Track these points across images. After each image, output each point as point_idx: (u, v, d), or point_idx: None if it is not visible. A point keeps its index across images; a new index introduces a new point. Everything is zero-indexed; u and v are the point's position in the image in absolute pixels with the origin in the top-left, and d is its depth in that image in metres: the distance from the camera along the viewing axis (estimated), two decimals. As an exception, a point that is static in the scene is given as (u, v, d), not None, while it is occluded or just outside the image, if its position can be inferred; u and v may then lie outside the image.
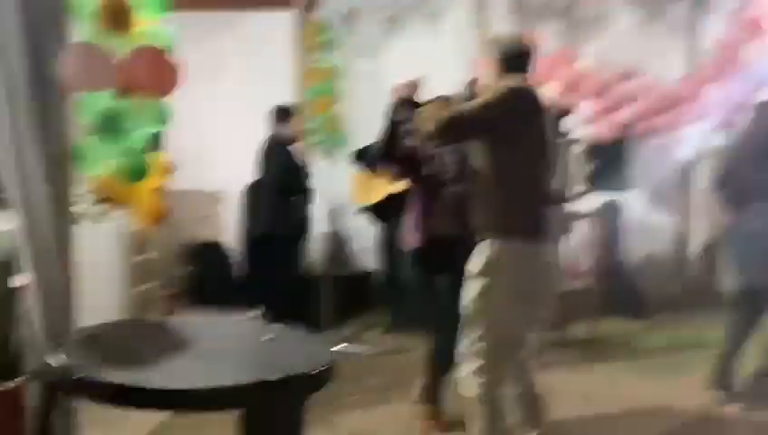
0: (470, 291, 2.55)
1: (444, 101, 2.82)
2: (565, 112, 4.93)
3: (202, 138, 5.82)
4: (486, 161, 2.52)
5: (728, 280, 3.54)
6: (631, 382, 3.83)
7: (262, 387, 1.52)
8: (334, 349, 4.24)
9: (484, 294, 2.52)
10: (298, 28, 5.62)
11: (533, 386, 2.71)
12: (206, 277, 5.43)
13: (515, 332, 2.56)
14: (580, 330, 4.43)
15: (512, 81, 2.53)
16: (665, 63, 5.20)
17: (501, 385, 2.59)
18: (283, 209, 4.46)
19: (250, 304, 5.00)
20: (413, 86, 2.92)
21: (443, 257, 3.01)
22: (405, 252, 3.19)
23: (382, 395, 3.65)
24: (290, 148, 4.54)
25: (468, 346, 2.56)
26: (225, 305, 4.85)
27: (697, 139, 4.89)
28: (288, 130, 4.55)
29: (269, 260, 4.62)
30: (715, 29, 5.03)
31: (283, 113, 4.62)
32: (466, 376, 2.57)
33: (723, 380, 3.49)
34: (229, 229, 5.79)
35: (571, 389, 3.60)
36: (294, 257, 4.55)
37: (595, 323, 4.18)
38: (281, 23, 5.67)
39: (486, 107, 2.46)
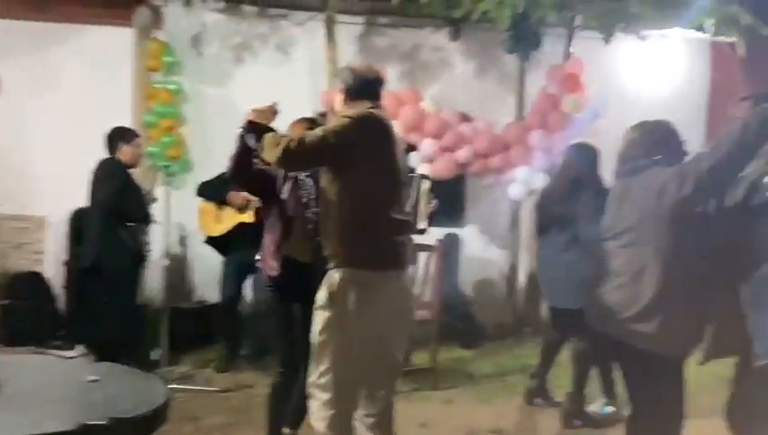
0: (317, 323, 2.52)
1: (303, 121, 2.83)
2: (411, 149, 5.19)
3: (25, 158, 5.27)
4: (332, 188, 2.51)
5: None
6: (467, 408, 4.03)
7: (84, 432, 1.38)
8: (170, 387, 3.98)
9: (328, 326, 2.49)
10: (140, 46, 5.35)
11: (387, 415, 2.64)
12: (22, 312, 4.83)
13: (362, 364, 2.52)
14: (420, 359, 4.58)
15: (359, 108, 2.53)
16: (497, 109, 5.68)
17: (349, 417, 2.56)
18: (115, 237, 4.12)
19: (74, 340, 4.56)
20: (269, 111, 2.84)
21: (298, 285, 2.88)
22: (265, 279, 3.06)
23: (224, 434, 3.48)
24: (127, 171, 4.22)
25: (316, 379, 2.53)
26: (44, 343, 4.38)
27: (524, 180, 5.36)
28: (127, 152, 4.23)
29: (97, 292, 4.24)
30: (539, 81, 5.60)
31: (121, 135, 4.30)
32: (316, 409, 2.53)
33: (537, 392, 3.94)
34: (52, 258, 5.27)
35: (410, 417, 3.70)
36: (127, 289, 4.20)
37: (434, 352, 4.35)
38: (121, 39, 5.36)
39: (326, 136, 2.45)
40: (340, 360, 2.48)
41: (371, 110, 2.54)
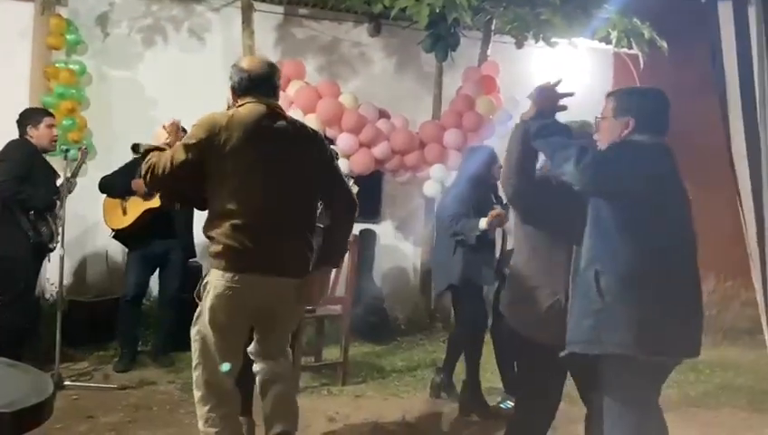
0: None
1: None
2: (329, 143, 5.14)
3: None
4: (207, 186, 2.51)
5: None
6: (376, 402, 4.05)
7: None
8: (66, 384, 3.75)
9: (195, 323, 2.58)
10: (40, 23, 5.01)
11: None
12: None
13: (222, 362, 2.54)
14: (332, 354, 4.56)
15: (241, 105, 2.53)
16: (414, 107, 5.75)
17: (223, 409, 2.57)
18: (13, 225, 3.83)
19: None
20: (172, 132, 2.73)
21: None
22: None
23: (120, 433, 3.31)
24: (34, 155, 3.92)
25: (193, 375, 2.61)
26: None
27: (439, 178, 5.46)
28: (36, 135, 3.93)
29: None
30: (457, 82, 5.72)
31: (29, 116, 4.00)
32: (197, 407, 2.59)
33: (442, 387, 4.05)
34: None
35: (319, 411, 3.69)
36: (23, 281, 3.92)
37: (345, 347, 4.35)
38: (20, 14, 5.00)
39: (174, 154, 2.47)
40: (204, 356, 2.58)
41: (248, 104, 2.52)
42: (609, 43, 5.77)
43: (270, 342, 2.68)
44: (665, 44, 5.59)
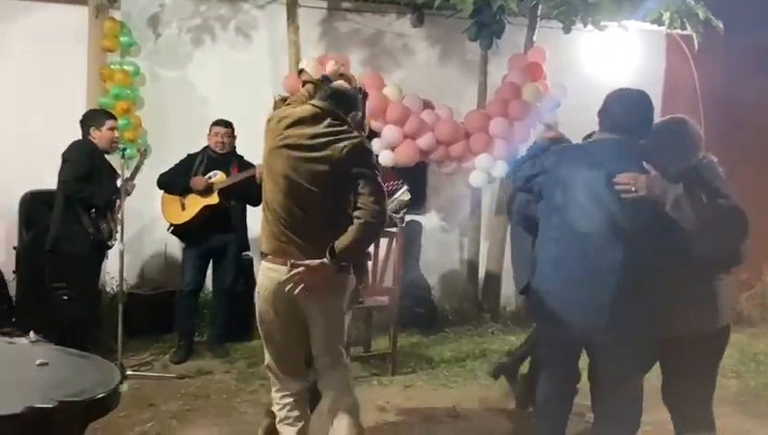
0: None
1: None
2: (373, 135, 5.18)
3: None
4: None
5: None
6: (426, 392, 4.08)
7: (34, 415, 1.34)
8: (127, 374, 3.92)
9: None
10: (95, 26, 5.20)
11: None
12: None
13: (274, 347, 2.70)
14: (381, 344, 4.61)
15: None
16: (458, 97, 5.71)
17: (282, 392, 2.73)
18: (75, 223, 4.02)
19: (26, 327, 4.44)
20: None
21: None
22: None
23: (180, 420, 3.44)
24: (95, 155, 4.09)
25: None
26: (-6, 330, 4.25)
27: (485, 167, 5.42)
28: (98, 136, 4.09)
29: (54, 278, 4.13)
30: (502, 69, 5.65)
31: (92, 118, 4.17)
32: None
33: (505, 370, 3.99)
34: (2, 244, 5.11)
35: (369, 401, 3.74)
36: (85, 276, 4.11)
37: (394, 338, 4.39)
38: (75, 18, 5.19)
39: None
40: (265, 342, 2.74)
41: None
42: (661, 24, 5.58)
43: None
44: (720, 25, 5.37)
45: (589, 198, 2.45)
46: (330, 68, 3.14)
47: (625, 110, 2.52)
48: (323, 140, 2.51)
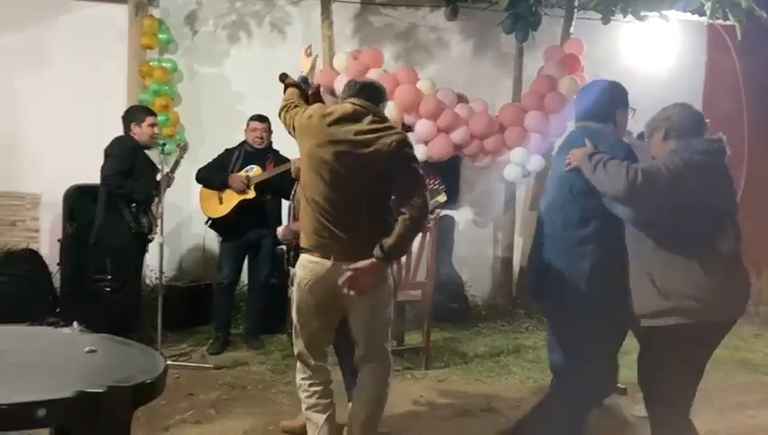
0: None
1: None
2: (407, 129, 5.18)
3: (15, 133, 5.25)
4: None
5: None
6: (460, 387, 4.07)
7: (84, 400, 1.39)
8: (167, 362, 4.00)
9: (293, 302, 2.79)
10: (134, 24, 5.31)
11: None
12: (17, 289, 4.82)
13: (310, 335, 2.76)
14: (414, 339, 4.62)
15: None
16: (493, 90, 5.67)
17: (311, 380, 2.80)
18: (117, 216, 4.13)
19: (70, 318, 4.57)
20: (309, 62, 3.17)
21: None
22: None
23: (218, 409, 3.51)
24: (136, 151, 4.19)
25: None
26: (39, 320, 4.39)
27: (520, 161, 5.37)
28: (138, 132, 4.20)
29: (97, 270, 4.25)
30: (538, 62, 5.58)
31: (133, 114, 4.28)
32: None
33: None
34: (47, 236, 5.27)
35: (403, 395, 3.75)
36: (126, 269, 4.22)
37: (427, 332, 4.39)
38: (116, 16, 5.32)
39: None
40: (298, 331, 2.79)
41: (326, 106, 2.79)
42: (702, 14, 5.44)
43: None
44: (764, 14, 5.20)
45: (551, 179, 2.73)
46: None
47: (584, 99, 2.72)
48: (371, 136, 2.58)
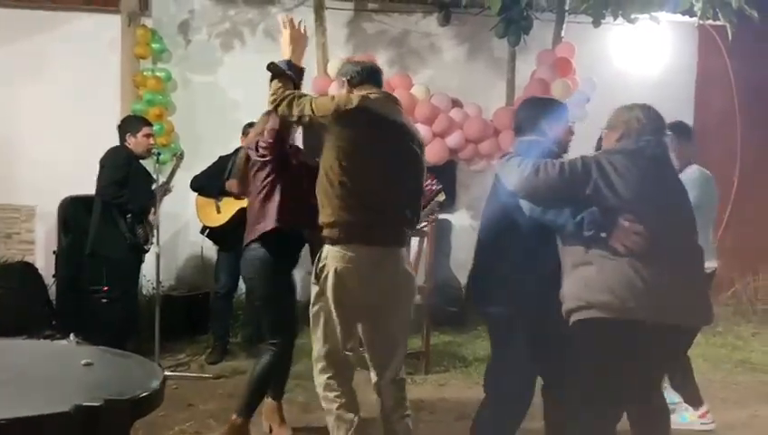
0: (312, 296, 2.70)
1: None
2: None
3: (9, 145, 5.24)
4: (325, 161, 2.60)
5: None
6: (460, 391, 4.07)
7: (81, 414, 1.38)
8: (166, 373, 3.98)
9: (316, 301, 2.67)
10: (128, 34, 5.31)
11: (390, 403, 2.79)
12: (13, 301, 4.80)
13: (343, 340, 2.67)
14: (414, 343, 4.61)
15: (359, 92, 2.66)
16: (487, 94, 5.68)
17: (339, 377, 2.71)
18: (112, 227, 4.11)
19: (66, 330, 4.55)
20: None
21: (289, 250, 3.13)
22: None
23: (217, 420, 3.50)
24: (131, 161, 4.17)
25: (315, 350, 2.74)
26: (35, 333, 4.37)
27: (515, 164, 5.37)
28: (134, 142, 4.18)
29: (93, 282, 4.24)
30: (530, 66, 5.60)
31: (129, 124, 4.26)
32: (317, 377, 2.74)
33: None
34: (42, 248, 5.26)
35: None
36: (123, 280, 4.20)
37: (427, 337, 4.38)
38: (109, 26, 5.32)
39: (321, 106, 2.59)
40: (324, 334, 2.68)
41: (366, 94, 2.66)
42: (693, 15, 5.46)
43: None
44: (755, 14, 5.23)
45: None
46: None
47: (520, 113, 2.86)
48: (409, 126, 2.72)
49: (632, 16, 5.17)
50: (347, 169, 2.53)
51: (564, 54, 5.51)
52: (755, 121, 6.16)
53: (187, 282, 5.46)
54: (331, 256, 2.57)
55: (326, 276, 2.59)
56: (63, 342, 2.04)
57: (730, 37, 5.43)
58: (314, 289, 2.68)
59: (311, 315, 2.71)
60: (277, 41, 5.70)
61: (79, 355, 1.83)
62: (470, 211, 6.10)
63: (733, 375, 4.44)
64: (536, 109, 2.80)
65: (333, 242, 2.57)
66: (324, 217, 2.59)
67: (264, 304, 3.19)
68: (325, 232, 2.59)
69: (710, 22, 5.63)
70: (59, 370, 1.78)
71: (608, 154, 2.46)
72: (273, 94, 2.74)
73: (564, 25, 5.62)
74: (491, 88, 5.78)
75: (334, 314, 2.62)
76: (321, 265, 2.62)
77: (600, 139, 2.70)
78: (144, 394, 1.52)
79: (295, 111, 2.62)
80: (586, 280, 2.34)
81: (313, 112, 2.58)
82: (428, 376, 4.28)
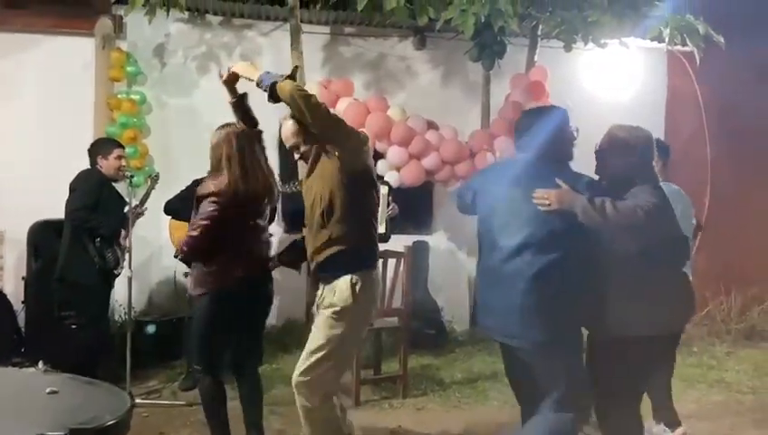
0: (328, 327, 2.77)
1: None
2: (378, 156, 5.21)
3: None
4: (344, 189, 2.70)
5: None
6: (438, 415, 4.03)
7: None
8: (136, 402, 3.89)
9: (338, 328, 2.74)
10: (102, 57, 5.28)
11: None
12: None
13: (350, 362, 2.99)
14: (391, 367, 4.57)
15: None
16: (462, 117, 5.75)
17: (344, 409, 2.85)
18: (81, 252, 4.02)
19: (35, 357, 4.43)
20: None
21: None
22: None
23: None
24: (103, 184, 4.08)
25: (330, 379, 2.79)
26: (3, 360, 4.24)
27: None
28: (105, 165, 4.08)
29: (63, 308, 4.13)
30: (504, 89, 5.68)
31: (100, 147, 4.18)
32: (326, 408, 2.78)
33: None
34: (11, 274, 5.13)
35: (382, 424, 3.69)
36: (92, 306, 4.10)
37: (404, 360, 4.35)
38: (83, 49, 5.28)
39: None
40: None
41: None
42: (661, 41, 5.61)
43: None
44: (721, 39, 5.39)
45: (505, 212, 2.66)
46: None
47: (537, 131, 2.71)
48: None
49: (602, 41, 5.29)
50: (368, 196, 2.73)
51: (538, 78, 5.61)
52: (724, 144, 6.31)
53: (160, 307, 5.36)
54: (363, 280, 2.67)
55: (358, 301, 2.64)
56: (32, 369, 1.98)
57: (698, 62, 5.59)
58: (332, 318, 2.68)
59: (331, 345, 2.68)
60: (254, 65, 5.77)
61: (45, 383, 1.78)
62: (447, 233, 6.12)
63: (708, 395, 4.47)
64: (538, 118, 2.76)
65: (361, 268, 2.68)
66: (346, 244, 2.65)
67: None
68: (348, 259, 2.66)
69: (678, 47, 5.80)
70: (23, 398, 1.73)
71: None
72: (311, 97, 2.66)
73: (537, 50, 5.73)
74: (466, 111, 5.84)
75: (359, 337, 2.77)
76: (347, 293, 2.64)
77: (600, 158, 2.74)
78: (110, 423, 1.48)
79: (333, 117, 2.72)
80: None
81: (347, 139, 2.69)
82: (406, 400, 4.23)
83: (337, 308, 2.66)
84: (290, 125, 2.78)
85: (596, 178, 2.75)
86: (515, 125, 2.87)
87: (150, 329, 4.78)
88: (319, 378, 2.67)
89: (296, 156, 2.84)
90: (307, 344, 2.74)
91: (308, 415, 2.71)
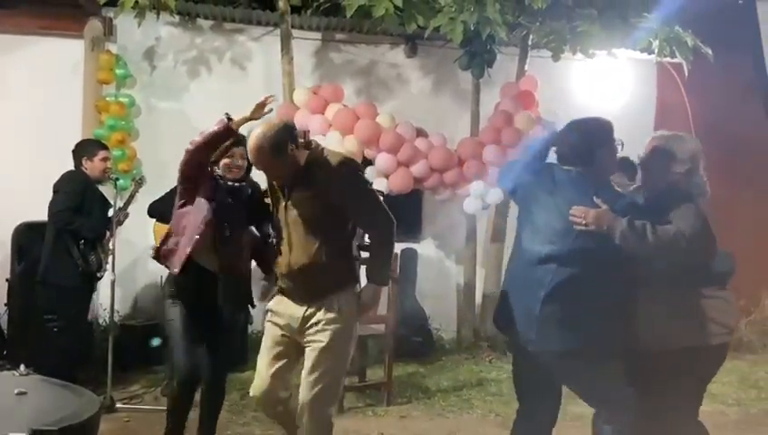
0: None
1: None
2: (367, 163, 5.21)
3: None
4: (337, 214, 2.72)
5: None
6: (422, 423, 4.01)
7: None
8: (118, 406, 3.85)
9: (348, 336, 2.78)
10: (91, 59, 5.26)
11: None
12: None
13: None
14: (376, 374, 4.55)
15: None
16: (452, 125, 5.75)
17: None
18: (64, 254, 3.99)
19: (19, 360, 4.38)
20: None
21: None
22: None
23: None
24: (87, 186, 4.06)
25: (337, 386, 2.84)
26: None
27: (479, 194, 5.42)
28: (90, 167, 4.06)
29: (46, 310, 4.10)
30: (494, 98, 5.70)
31: (84, 148, 4.15)
32: (327, 414, 2.79)
33: None
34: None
35: (365, 432, 3.67)
36: (74, 308, 4.06)
37: (389, 367, 4.33)
38: (72, 51, 5.26)
39: None
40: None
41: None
42: (650, 52, 5.65)
43: None
44: (710, 51, 5.43)
45: (540, 218, 2.61)
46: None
47: (579, 141, 2.63)
48: None
49: (591, 52, 5.32)
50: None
51: (527, 87, 5.63)
52: (713, 155, 6.32)
53: (145, 311, 5.32)
54: (348, 298, 2.73)
55: (347, 318, 2.70)
56: (12, 372, 1.96)
57: (686, 74, 5.62)
58: (327, 337, 2.69)
59: (343, 353, 2.72)
60: (244, 69, 5.78)
61: (14, 385, 1.76)
62: (436, 241, 6.12)
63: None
64: (591, 134, 2.62)
65: (346, 287, 2.73)
66: (349, 261, 2.75)
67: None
68: (348, 275, 2.74)
69: (668, 59, 5.83)
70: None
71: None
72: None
73: (528, 59, 5.75)
74: (456, 119, 5.85)
75: (352, 348, 2.78)
76: (336, 312, 2.68)
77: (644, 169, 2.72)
78: (74, 424, 1.46)
79: None
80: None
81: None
82: (390, 407, 4.21)
83: (329, 327, 2.67)
84: (266, 151, 2.70)
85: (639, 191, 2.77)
86: (558, 136, 2.73)
87: (155, 342, 4.69)
88: (326, 396, 2.71)
89: (272, 180, 2.83)
90: (308, 369, 2.71)
91: (319, 429, 2.73)
